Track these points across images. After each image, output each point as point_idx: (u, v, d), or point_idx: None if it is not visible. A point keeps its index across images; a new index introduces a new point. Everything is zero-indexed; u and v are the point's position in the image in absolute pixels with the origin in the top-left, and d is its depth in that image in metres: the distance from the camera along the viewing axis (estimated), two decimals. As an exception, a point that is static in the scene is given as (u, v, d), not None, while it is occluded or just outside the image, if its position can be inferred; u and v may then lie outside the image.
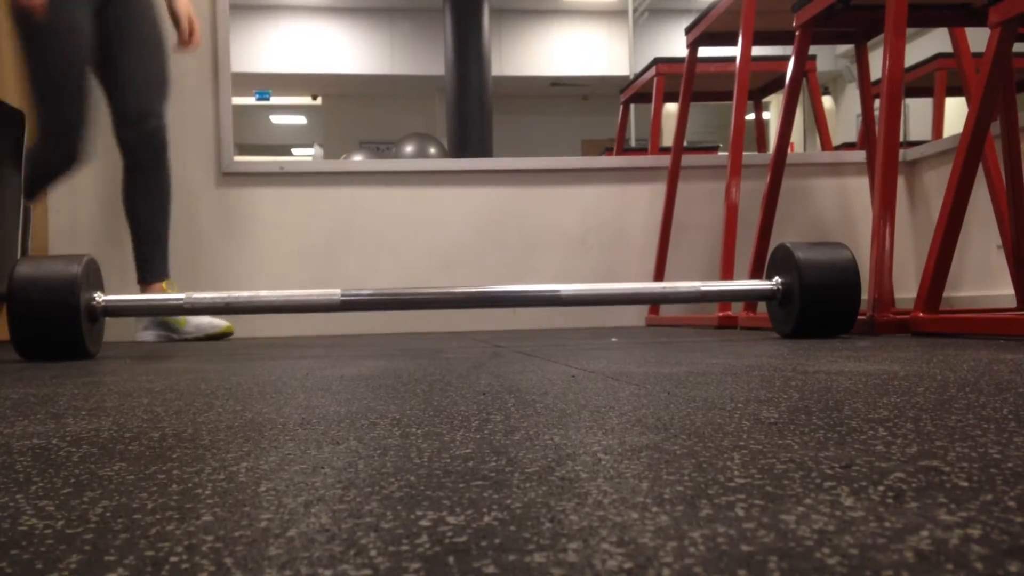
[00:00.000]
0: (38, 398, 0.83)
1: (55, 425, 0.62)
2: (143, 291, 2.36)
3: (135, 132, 2.31)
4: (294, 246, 2.99)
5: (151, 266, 2.39)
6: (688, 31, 2.90)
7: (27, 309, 1.51)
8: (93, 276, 1.62)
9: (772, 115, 5.07)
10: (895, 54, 1.84)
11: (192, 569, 0.27)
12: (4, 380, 1.08)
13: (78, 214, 2.91)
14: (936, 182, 3.00)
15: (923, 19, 2.23)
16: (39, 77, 2.13)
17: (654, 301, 1.94)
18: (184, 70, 2.98)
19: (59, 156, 2.17)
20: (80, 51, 2.14)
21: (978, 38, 2.05)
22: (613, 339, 1.87)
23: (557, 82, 9.02)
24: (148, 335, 2.45)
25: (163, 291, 2.34)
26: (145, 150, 2.34)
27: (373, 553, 0.28)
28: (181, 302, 1.66)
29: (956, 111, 3.09)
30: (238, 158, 3.05)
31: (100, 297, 1.62)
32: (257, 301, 1.73)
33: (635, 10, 7.80)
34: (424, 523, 0.32)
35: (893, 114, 1.83)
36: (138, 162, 2.35)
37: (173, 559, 0.28)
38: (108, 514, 0.34)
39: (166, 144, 2.39)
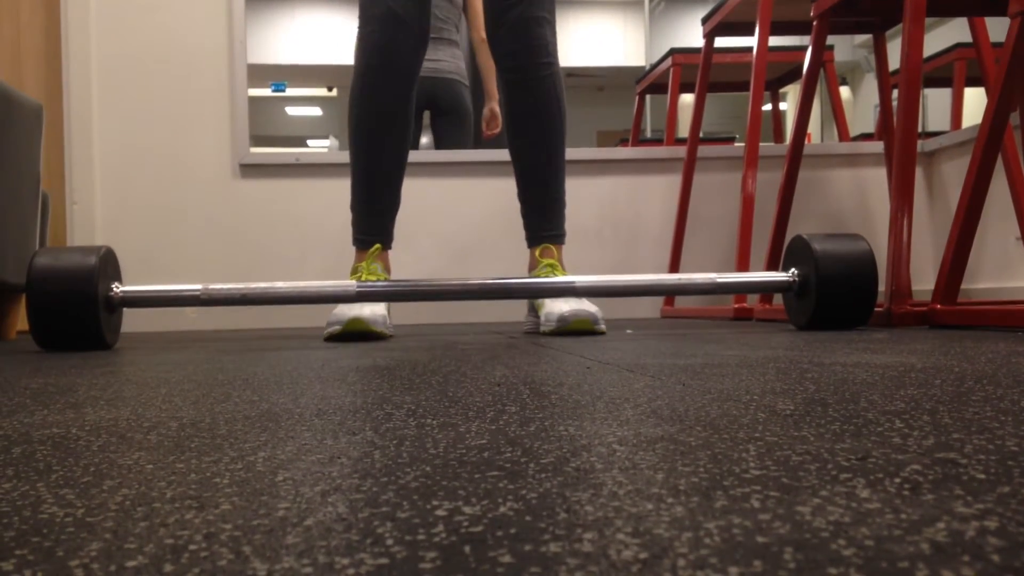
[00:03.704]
0: (57, 388, 0.84)
1: (74, 415, 0.63)
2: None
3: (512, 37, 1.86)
4: (310, 237, 3.00)
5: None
6: (704, 21, 2.88)
7: (45, 300, 1.52)
8: (111, 267, 1.63)
9: (789, 106, 5.05)
10: (914, 44, 1.83)
11: (211, 557, 0.27)
12: (24, 370, 1.09)
13: (96, 205, 2.93)
14: (954, 173, 2.97)
15: (942, 8, 2.21)
16: None
17: (669, 293, 1.93)
18: (200, 62, 2.99)
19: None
20: None
21: (998, 27, 2.03)
22: (628, 330, 1.87)
23: (572, 73, 8.98)
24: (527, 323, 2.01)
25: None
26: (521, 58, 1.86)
27: (390, 542, 0.28)
28: (197, 293, 1.67)
29: (975, 101, 3.06)
30: (254, 150, 3.06)
31: (118, 288, 1.63)
32: (273, 292, 1.73)
33: (651, 0, 7.76)
34: (440, 513, 0.32)
35: (911, 104, 1.81)
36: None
37: (192, 547, 0.28)
38: (128, 502, 0.35)
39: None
